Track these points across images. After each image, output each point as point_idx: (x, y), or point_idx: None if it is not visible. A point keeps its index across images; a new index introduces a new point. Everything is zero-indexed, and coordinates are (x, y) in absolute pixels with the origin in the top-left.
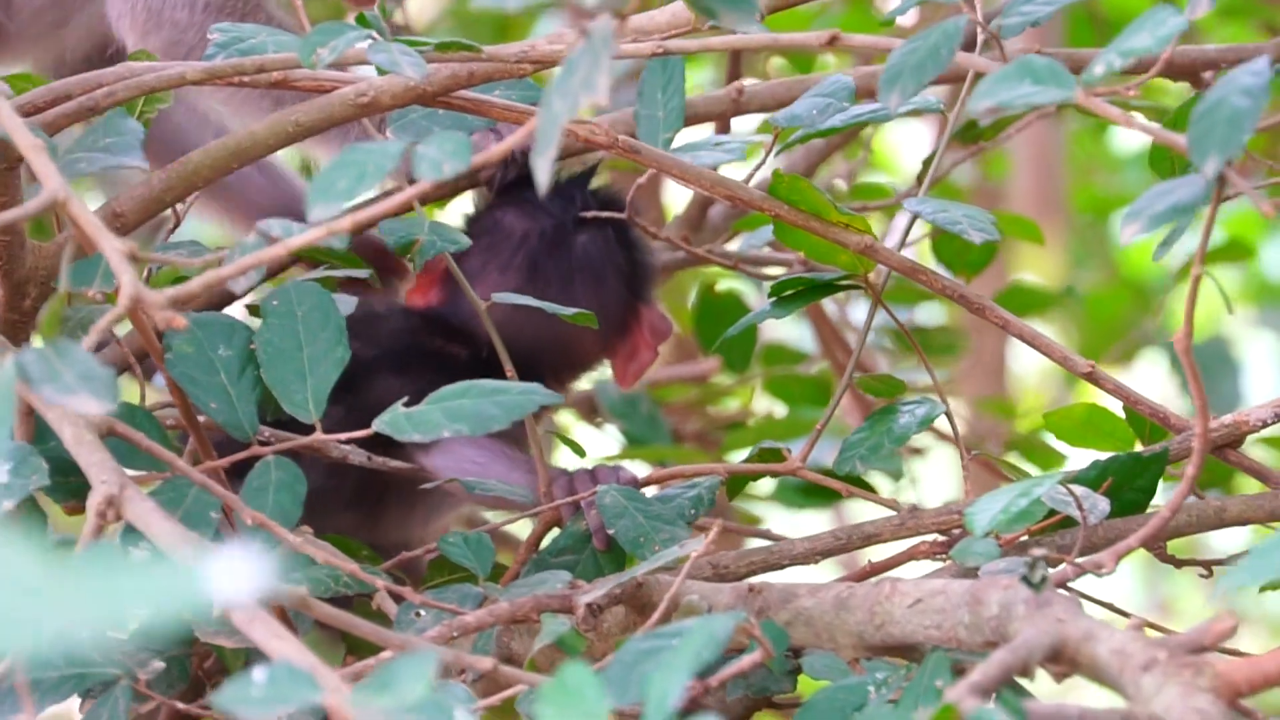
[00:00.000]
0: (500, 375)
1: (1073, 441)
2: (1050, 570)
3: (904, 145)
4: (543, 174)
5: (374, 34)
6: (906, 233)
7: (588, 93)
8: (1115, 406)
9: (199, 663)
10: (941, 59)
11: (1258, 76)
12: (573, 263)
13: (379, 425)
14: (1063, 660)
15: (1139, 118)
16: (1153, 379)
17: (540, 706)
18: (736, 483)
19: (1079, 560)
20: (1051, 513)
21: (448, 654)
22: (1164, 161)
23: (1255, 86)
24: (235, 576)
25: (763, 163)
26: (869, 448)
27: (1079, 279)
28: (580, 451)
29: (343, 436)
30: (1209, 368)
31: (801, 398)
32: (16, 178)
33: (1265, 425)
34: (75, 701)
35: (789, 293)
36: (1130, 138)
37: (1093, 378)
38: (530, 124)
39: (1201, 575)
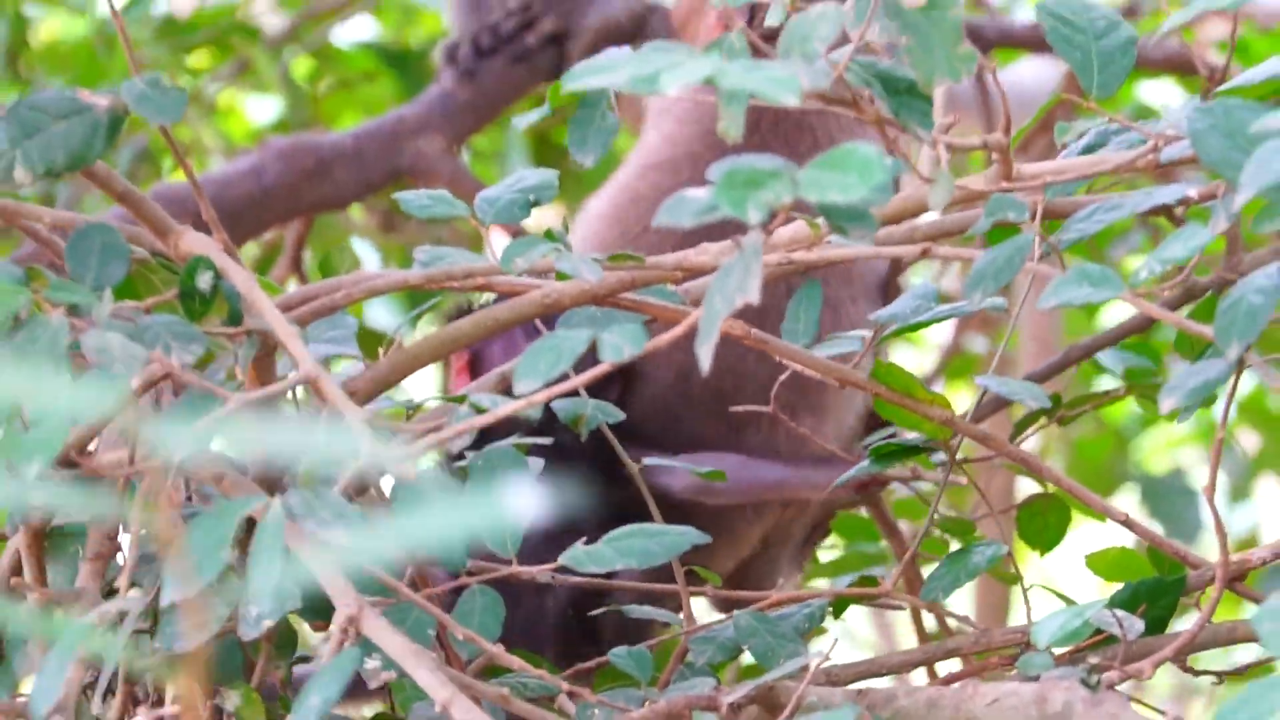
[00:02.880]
0: None
1: (1109, 577)
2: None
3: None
4: (705, 361)
5: (559, 246)
6: (977, 404)
7: (742, 295)
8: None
9: None
10: (1015, 266)
11: (1270, 279)
12: None
13: (564, 559)
14: None
15: (1171, 314)
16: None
17: None
18: (841, 604)
19: (1124, 668)
20: (1096, 630)
21: None
22: (1187, 344)
23: (1269, 287)
24: (530, 499)
25: (868, 348)
26: (949, 582)
27: (1072, 430)
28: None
29: (535, 570)
30: (1172, 497)
31: (859, 535)
32: (273, 362)
33: (1265, 563)
34: None
35: (884, 452)
36: (1115, 312)
37: (1128, 524)
38: (693, 318)
39: (1214, 683)
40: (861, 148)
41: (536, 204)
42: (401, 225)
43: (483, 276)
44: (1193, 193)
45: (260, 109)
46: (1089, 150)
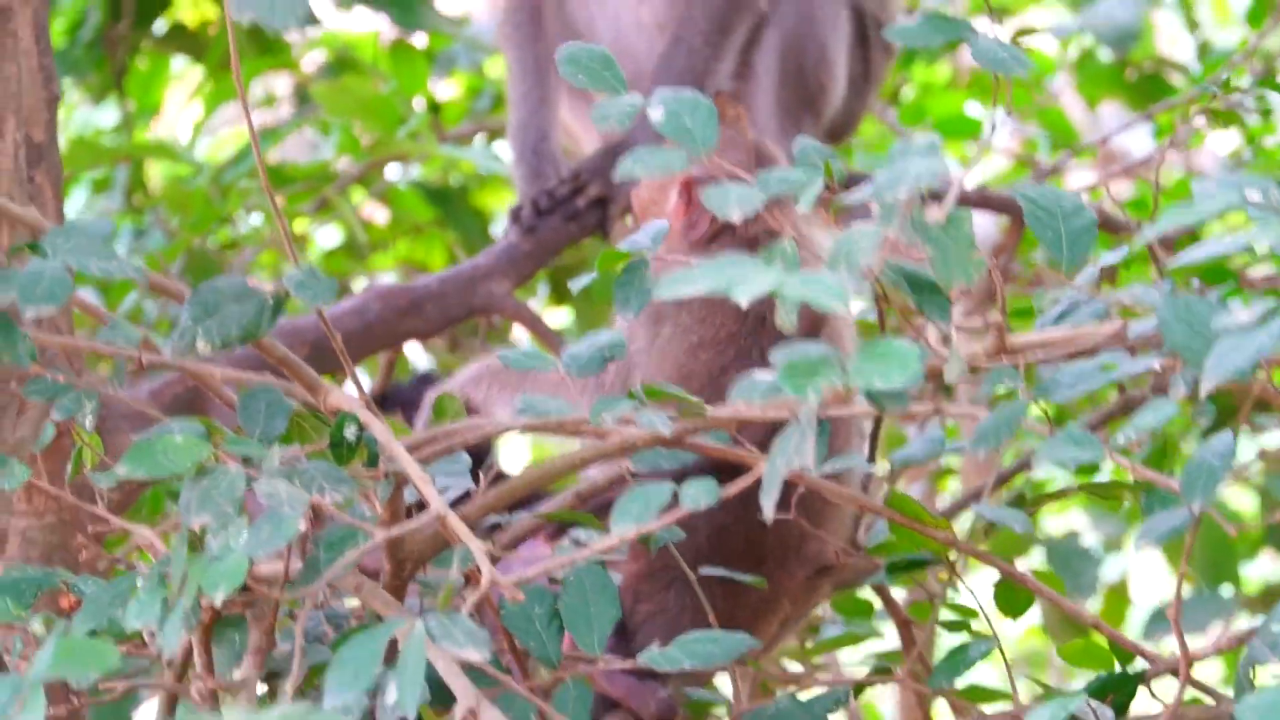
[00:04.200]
0: None
1: (1077, 664)
2: None
3: None
4: (769, 509)
5: (638, 402)
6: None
7: (799, 458)
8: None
9: None
10: (1012, 427)
11: (1226, 446)
12: None
13: (642, 659)
14: None
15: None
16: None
17: None
18: (860, 687)
19: None
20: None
21: None
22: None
23: (1224, 452)
24: None
25: (890, 480)
26: (951, 671)
27: None
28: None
29: (615, 667)
30: (1072, 559)
31: (855, 614)
32: (401, 494)
33: (1207, 656)
34: None
35: (900, 564)
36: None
37: (1097, 626)
38: (758, 469)
39: None
40: (900, 344)
41: (611, 358)
42: (464, 344)
43: (573, 425)
44: (1157, 365)
45: (326, 236)
46: (1063, 316)
